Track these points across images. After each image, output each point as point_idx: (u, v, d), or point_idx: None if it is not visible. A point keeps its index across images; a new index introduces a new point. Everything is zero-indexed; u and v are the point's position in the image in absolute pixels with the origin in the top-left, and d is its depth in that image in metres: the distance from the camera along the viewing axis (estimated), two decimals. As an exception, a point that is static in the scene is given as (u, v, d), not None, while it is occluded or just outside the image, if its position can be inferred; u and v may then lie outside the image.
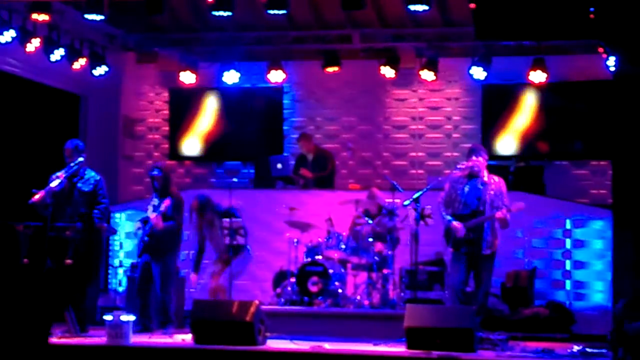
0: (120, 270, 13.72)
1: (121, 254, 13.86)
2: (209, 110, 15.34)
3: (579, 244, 12.53)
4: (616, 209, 8.06)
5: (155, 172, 10.83)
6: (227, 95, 15.21)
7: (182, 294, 11.79)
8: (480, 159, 10.22)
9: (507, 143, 14.41)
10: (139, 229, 10.79)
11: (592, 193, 14.11)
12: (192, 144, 15.42)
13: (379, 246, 11.64)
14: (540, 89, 14.01)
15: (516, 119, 14.38)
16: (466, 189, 10.16)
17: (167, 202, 10.46)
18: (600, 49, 10.56)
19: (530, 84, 13.81)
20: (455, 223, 10.05)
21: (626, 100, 8.04)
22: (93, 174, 10.43)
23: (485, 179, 10.16)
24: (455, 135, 14.70)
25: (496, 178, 10.28)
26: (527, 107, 14.32)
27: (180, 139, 15.46)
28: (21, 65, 13.08)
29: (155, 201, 10.77)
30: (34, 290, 6.12)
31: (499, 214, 9.96)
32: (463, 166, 10.34)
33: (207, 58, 14.75)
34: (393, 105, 14.95)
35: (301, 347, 9.38)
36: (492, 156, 14.31)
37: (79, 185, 10.31)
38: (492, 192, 10.08)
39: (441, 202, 10.30)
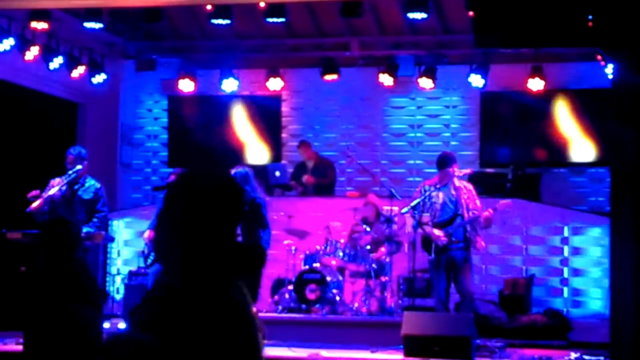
0: (118, 278, 13.70)
1: (119, 262, 13.85)
2: (208, 118, 15.33)
3: (576, 251, 12.53)
4: (614, 216, 8.04)
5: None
6: (226, 103, 15.22)
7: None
8: (449, 169, 10.21)
9: (505, 150, 14.41)
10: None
11: (590, 200, 14.11)
12: (191, 152, 15.40)
13: (379, 252, 11.65)
14: (539, 96, 14.01)
15: (514, 127, 14.38)
16: (440, 195, 10.14)
17: None
18: (599, 57, 10.55)
19: (529, 92, 13.81)
20: (436, 232, 10.01)
21: (624, 108, 8.02)
22: (93, 182, 10.44)
23: (457, 183, 10.19)
24: (453, 142, 14.68)
25: (465, 182, 10.31)
26: (525, 114, 14.32)
27: (178, 147, 15.44)
28: (20, 73, 13.09)
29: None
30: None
31: (485, 213, 9.97)
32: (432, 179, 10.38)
33: (205, 66, 14.75)
34: (391, 112, 14.95)
35: (299, 354, 9.39)
36: (491, 164, 14.36)
37: (80, 193, 10.32)
38: (465, 196, 10.12)
39: (411, 207, 10.11)
